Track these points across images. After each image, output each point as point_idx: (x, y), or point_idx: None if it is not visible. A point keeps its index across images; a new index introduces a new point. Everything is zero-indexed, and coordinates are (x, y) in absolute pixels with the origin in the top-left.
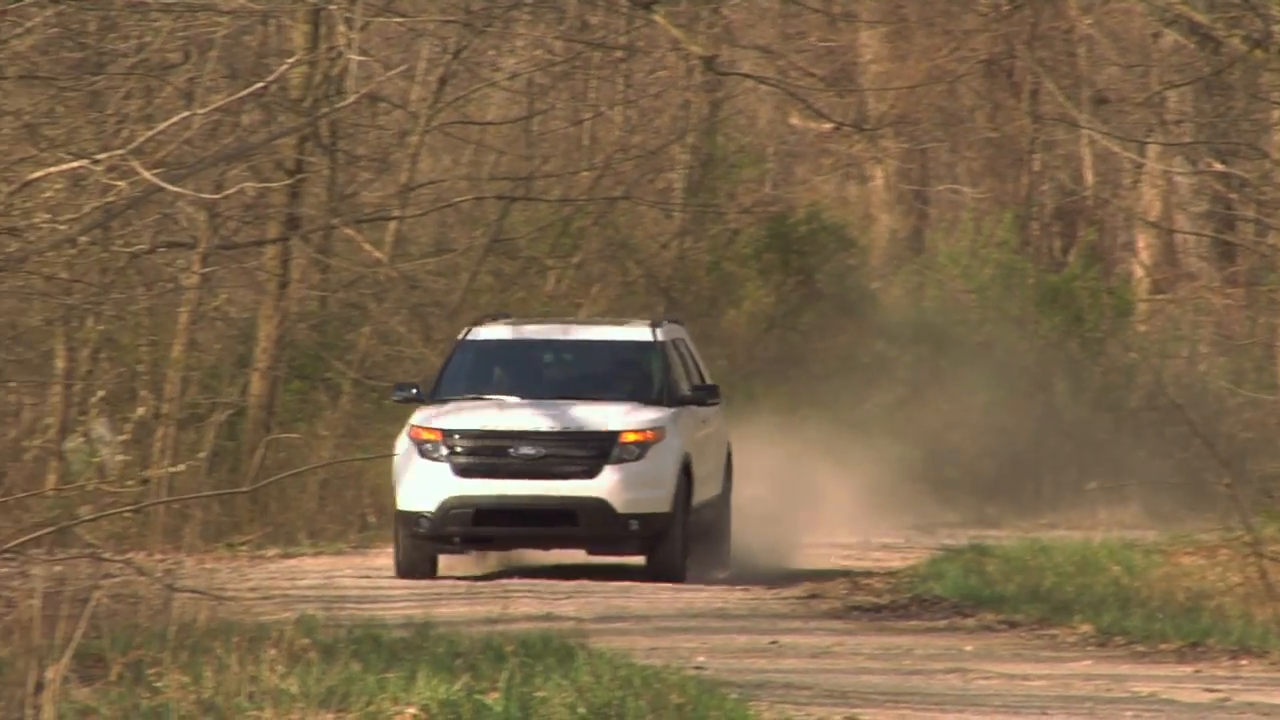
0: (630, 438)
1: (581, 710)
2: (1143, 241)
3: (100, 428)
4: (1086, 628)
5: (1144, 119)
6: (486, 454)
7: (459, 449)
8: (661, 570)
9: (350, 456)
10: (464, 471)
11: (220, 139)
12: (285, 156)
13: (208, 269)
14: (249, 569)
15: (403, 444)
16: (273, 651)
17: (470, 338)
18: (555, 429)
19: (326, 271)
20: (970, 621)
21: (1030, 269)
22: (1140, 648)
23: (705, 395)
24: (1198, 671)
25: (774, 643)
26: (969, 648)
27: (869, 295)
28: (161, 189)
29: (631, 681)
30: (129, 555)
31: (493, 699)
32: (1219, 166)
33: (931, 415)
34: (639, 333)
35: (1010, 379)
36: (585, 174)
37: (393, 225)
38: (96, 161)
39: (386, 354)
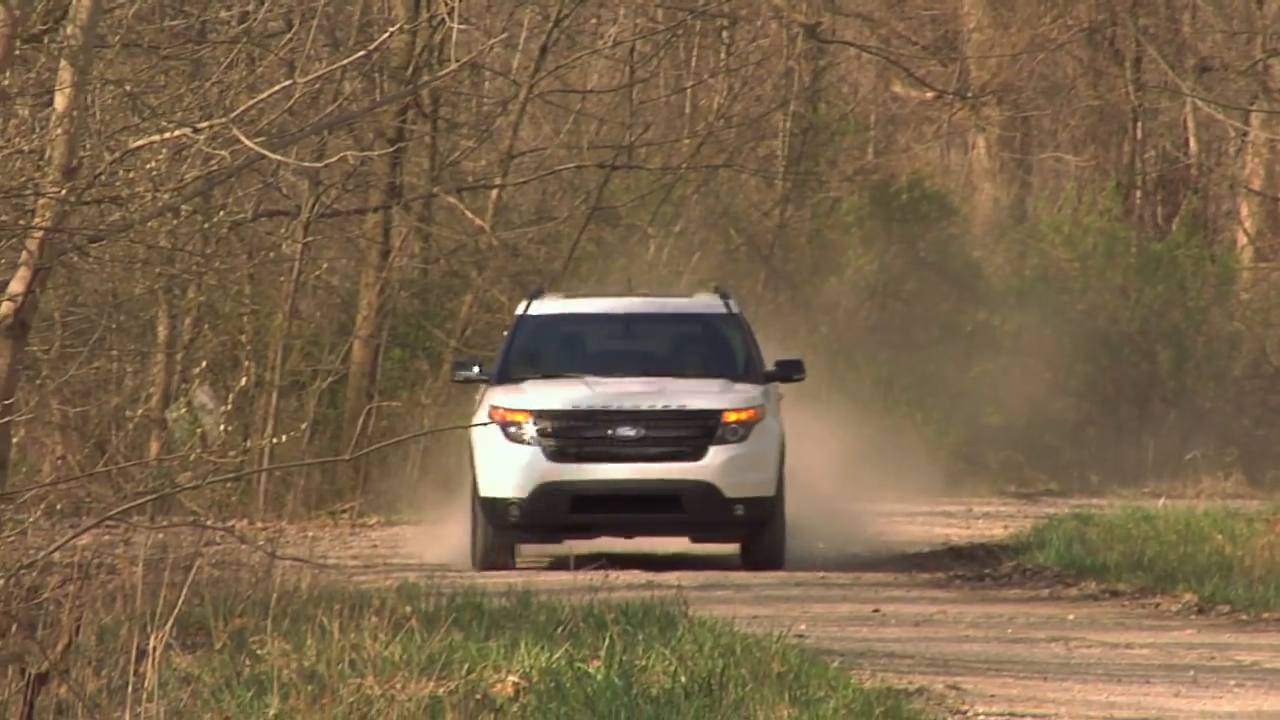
0: (733, 417)
1: (683, 679)
2: (1246, 209)
3: (203, 396)
4: (1189, 597)
5: (1247, 86)
6: (582, 436)
7: (551, 431)
8: (762, 558)
9: (451, 425)
10: (558, 455)
11: (322, 107)
12: (387, 125)
13: (309, 238)
14: (350, 537)
15: (481, 426)
16: (374, 619)
17: (531, 313)
18: (655, 408)
19: (428, 240)
20: (1073, 590)
21: (1133, 237)
22: (1243, 617)
23: (791, 370)
24: None
25: (876, 611)
26: (1071, 616)
27: (971, 264)
28: (263, 157)
29: (733, 650)
30: (231, 523)
31: (594, 667)
32: None
33: (1034, 384)
34: (712, 304)
35: (1113, 348)
36: (686, 142)
37: (494, 193)
38: (198, 130)
39: (488, 322)
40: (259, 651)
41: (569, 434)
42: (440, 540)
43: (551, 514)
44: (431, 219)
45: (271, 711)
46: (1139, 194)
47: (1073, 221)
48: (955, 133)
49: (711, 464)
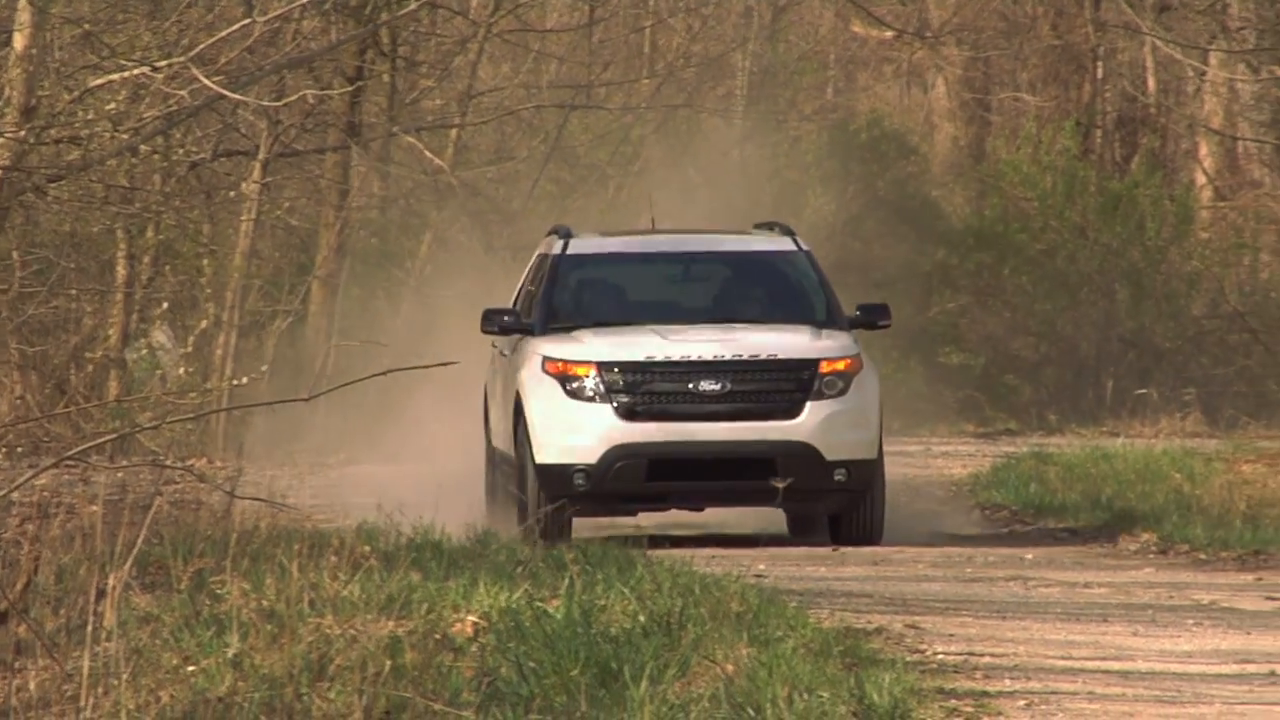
0: (831, 367)
1: (642, 618)
2: (1205, 149)
3: (162, 336)
4: (1148, 536)
5: (1206, 26)
6: (658, 391)
7: (622, 385)
8: (859, 532)
9: (409, 365)
10: (631, 414)
11: (281, 46)
12: (345, 64)
13: (268, 177)
14: (310, 477)
15: (531, 380)
16: (333, 559)
17: (571, 253)
18: (742, 358)
19: (386, 179)
20: (1031, 529)
21: (1092, 177)
22: (1201, 556)
23: (875, 316)
24: (1259, 579)
25: (835, 550)
26: (1030, 556)
27: (930, 203)
28: (222, 96)
29: (692, 589)
30: (190, 463)
31: (553, 607)
32: None
33: (993, 323)
34: (779, 242)
35: (1072, 287)
36: (646, 82)
37: (453, 133)
38: (157, 69)
39: (447, 261)
40: (218, 591)
41: (643, 389)
42: (400, 480)
43: (625, 481)
44: (390, 158)
45: (231, 651)
46: (1098, 133)
47: (1032, 161)
48: (915, 72)
49: (809, 422)
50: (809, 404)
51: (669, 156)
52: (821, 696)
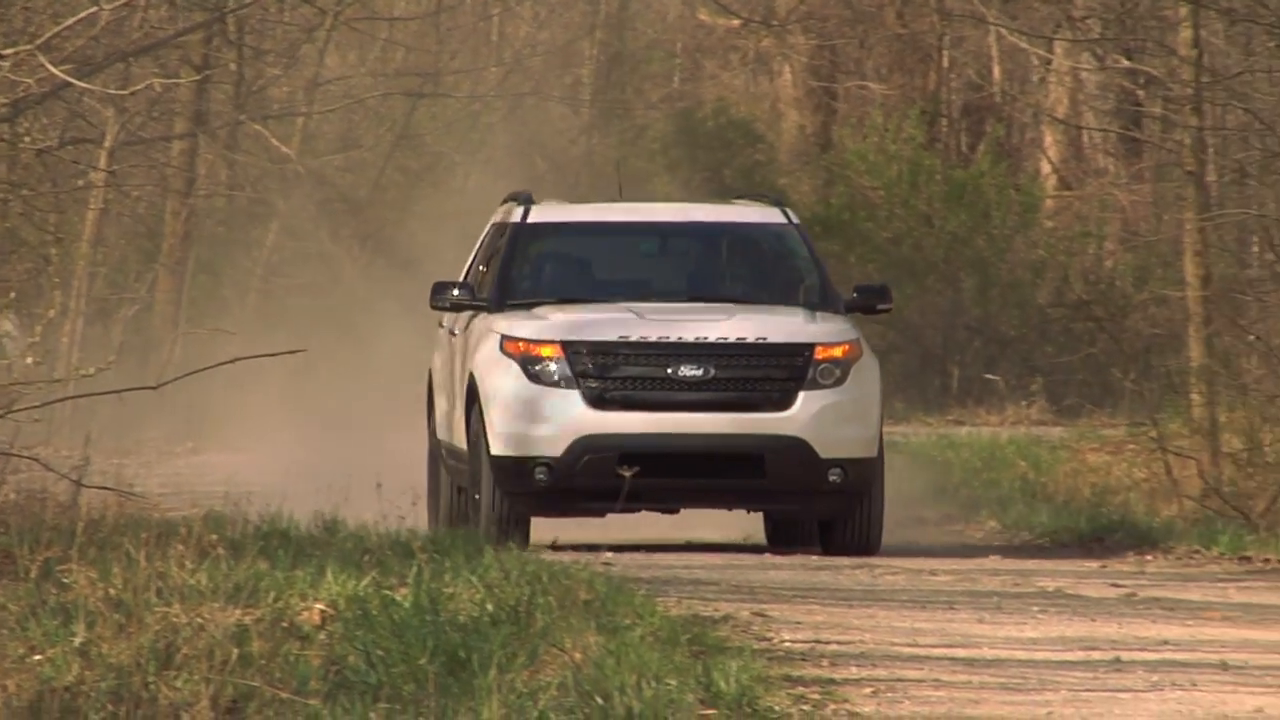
0: (826, 354)
1: (490, 607)
2: (1050, 138)
3: (8, 324)
4: (993, 523)
5: (1051, 15)
6: (632, 376)
7: (592, 369)
8: (852, 540)
9: (256, 353)
10: (601, 401)
11: (127, 34)
12: (192, 52)
13: (115, 166)
14: (157, 466)
15: (487, 361)
16: (181, 548)
17: (532, 221)
18: (728, 340)
19: (233, 167)
20: None
21: (938, 165)
22: (1046, 544)
23: (875, 299)
24: (1104, 567)
25: (686, 543)
26: None
27: (777, 191)
28: (69, 84)
29: (540, 578)
30: (36, 451)
31: (401, 595)
32: (1125, 63)
33: None
34: (768, 214)
35: (918, 275)
36: (493, 70)
37: (300, 121)
38: (3, 57)
39: (294, 250)
40: (65, 580)
41: (615, 373)
42: (248, 468)
43: (593, 477)
44: (237, 147)
45: (77, 640)
46: (944, 122)
47: (878, 149)
48: (761, 61)
49: (802, 414)
50: (802, 394)
51: (516, 144)
52: (669, 684)
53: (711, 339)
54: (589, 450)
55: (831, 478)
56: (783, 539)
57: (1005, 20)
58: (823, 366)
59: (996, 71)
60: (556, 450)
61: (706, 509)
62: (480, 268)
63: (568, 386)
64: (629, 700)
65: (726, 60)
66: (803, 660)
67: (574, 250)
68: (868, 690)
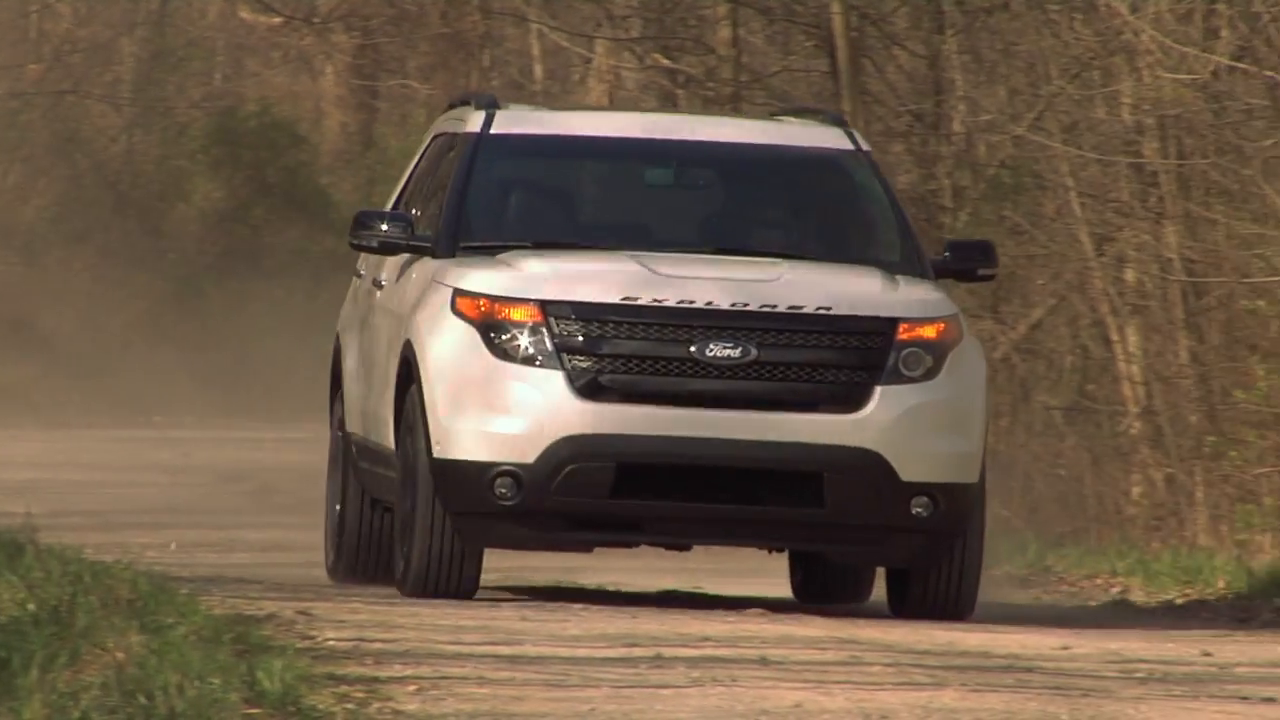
0: (913, 334)
1: (32, 607)
2: None
3: None
4: None
5: (593, 14)
6: (640, 355)
7: (582, 342)
8: (937, 599)
9: None
10: (594, 388)
11: None
12: None
13: None
14: None
15: (431, 325)
16: None
17: (497, 132)
18: (776, 309)
19: None
20: None
21: None
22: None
23: (977, 259)
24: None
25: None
26: None
27: (320, 190)
28: None
29: (82, 577)
30: None
31: None
32: (665, 62)
33: None
34: (828, 136)
35: None
36: (33, 67)
37: None
38: None
39: None
40: None
41: (616, 350)
42: None
43: (578, 494)
44: None
45: None
46: None
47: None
48: (303, 59)
49: (879, 419)
50: (878, 390)
51: (55, 142)
52: (213, 683)
53: (754, 307)
54: (574, 457)
55: (916, 510)
56: (817, 590)
57: (546, 19)
58: (909, 352)
59: (538, 70)
60: (528, 455)
61: (733, 546)
62: (418, 199)
63: (547, 365)
64: (172, 700)
65: (269, 59)
66: (347, 659)
67: (556, 176)
68: (412, 688)
